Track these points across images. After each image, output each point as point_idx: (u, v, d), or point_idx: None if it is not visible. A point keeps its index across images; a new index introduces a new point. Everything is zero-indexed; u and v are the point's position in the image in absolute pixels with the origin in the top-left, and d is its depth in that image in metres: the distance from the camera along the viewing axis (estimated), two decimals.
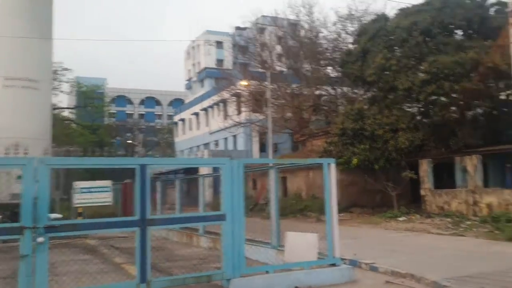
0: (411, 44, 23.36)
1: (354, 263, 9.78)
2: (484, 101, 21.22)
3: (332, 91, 33.32)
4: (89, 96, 52.76)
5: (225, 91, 40.29)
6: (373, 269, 9.24)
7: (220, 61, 71.80)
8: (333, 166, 8.82)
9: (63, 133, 52.19)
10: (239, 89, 37.11)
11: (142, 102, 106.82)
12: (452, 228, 17.04)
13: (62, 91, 50.69)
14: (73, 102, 64.90)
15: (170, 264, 11.29)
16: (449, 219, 18.97)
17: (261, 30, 41.65)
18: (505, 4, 23.03)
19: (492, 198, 18.38)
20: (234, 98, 41.05)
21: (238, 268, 7.18)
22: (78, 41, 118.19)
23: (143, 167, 6.80)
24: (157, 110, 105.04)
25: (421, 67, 22.26)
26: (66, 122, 53.17)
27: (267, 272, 7.58)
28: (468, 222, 17.81)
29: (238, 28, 52.97)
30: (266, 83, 33.23)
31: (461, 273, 8.85)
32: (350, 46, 30.34)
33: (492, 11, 24.20)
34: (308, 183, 27.36)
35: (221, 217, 7.18)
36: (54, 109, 50.16)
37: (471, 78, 21.46)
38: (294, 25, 36.74)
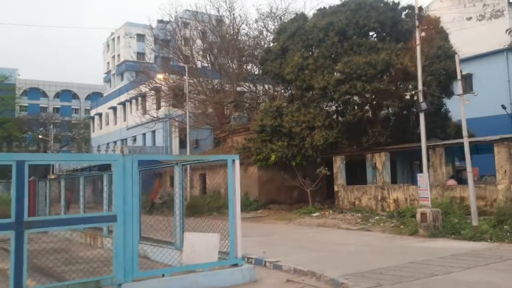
0: (327, 44, 23.81)
1: (259, 262, 9.61)
2: (394, 102, 22.09)
3: (254, 88, 33.29)
4: None
5: (144, 85, 39.02)
6: (277, 267, 9.11)
7: (141, 54, 69.56)
8: (237, 163, 8.57)
9: None
10: (159, 83, 36.08)
11: (58, 95, 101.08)
12: (361, 223, 17.56)
13: None
14: None
15: (67, 268, 10.47)
16: (359, 214, 19.54)
17: (185, 25, 40.77)
18: (414, 9, 24.27)
19: (399, 194, 19.19)
20: (153, 93, 39.89)
21: (130, 272, 6.68)
22: None
23: (20, 163, 6.09)
24: (74, 104, 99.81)
25: (336, 67, 22.75)
26: None
27: (163, 275, 7.14)
28: (377, 217, 18.44)
29: (160, 21, 51.59)
30: (185, 77, 32.59)
31: (362, 269, 8.96)
32: (271, 43, 30.47)
33: (403, 14, 25.30)
34: (227, 180, 27.05)
35: (112, 218, 6.63)
36: None
37: (382, 79, 22.30)
38: (216, 21, 36.31)
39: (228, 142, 31.32)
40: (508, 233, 12.78)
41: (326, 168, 21.93)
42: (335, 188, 22.19)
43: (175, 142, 42.71)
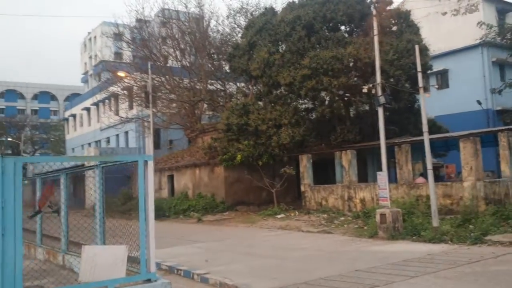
0: (294, 39, 22.95)
1: (187, 274, 8.69)
2: (362, 97, 21.34)
3: (226, 86, 32.30)
4: None
5: (116, 85, 37.82)
6: (204, 280, 8.20)
7: (118, 54, 68.05)
8: (150, 164, 7.55)
9: None
10: (130, 84, 34.92)
11: (36, 97, 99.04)
12: (325, 225, 16.74)
13: None
14: None
15: None
16: (325, 215, 18.75)
17: (163, 24, 39.46)
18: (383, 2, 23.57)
19: (366, 193, 18.42)
20: (125, 93, 38.71)
21: None
22: None
23: None
24: (52, 105, 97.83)
25: (303, 62, 21.91)
26: None
27: None
28: (342, 218, 17.66)
29: (138, 20, 50.34)
30: (153, 76, 31.53)
31: (302, 279, 8.11)
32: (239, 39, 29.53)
33: (372, 7, 24.55)
34: (195, 181, 26.15)
35: None
36: None
37: (350, 74, 21.52)
38: (192, 18, 35.22)
39: (198, 142, 30.35)
40: (471, 233, 12.04)
41: (291, 168, 21.13)
42: (302, 188, 21.36)
43: (149, 143, 41.53)
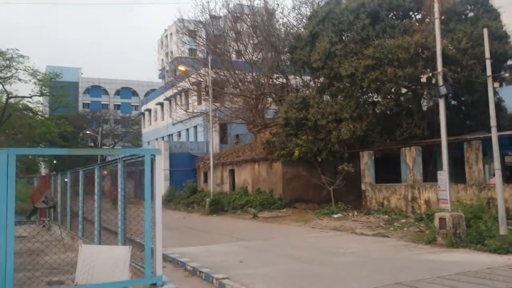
0: (358, 28, 21.60)
1: (207, 278, 8.11)
2: (430, 89, 19.56)
3: (289, 80, 31.46)
4: (48, 85, 50.13)
5: (186, 81, 38.32)
6: (221, 286, 7.57)
7: (193, 51, 69.40)
8: (158, 159, 7.03)
9: (21, 123, 49.64)
10: (196, 79, 35.19)
11: (118, 93, 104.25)
12: (383, 227, 15.50)
13: (19, 79, 48.05)
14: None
15: None
16: (386, 216, 17.44)
17: (235, 19, 39.26)
18: None
19: (431, 194, 16.84)
20: (194, 88, 39.13)
21: None
22: (53, 29, 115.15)
23: None
24: (133, 100, 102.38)
25: (366, 52, 20.55)
26: (25, 111, 50.66)
27: None
28: (403, 220, 16.27)
29: (213, 17, 50.80)
30: (218, 70, 31.52)
31: None
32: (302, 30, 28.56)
33: None
34: (254, 176, 25.68)
35: None
36: (10, 97, 47.79)
37: (417, 64, 19.83)
38: (255, 11, 34.75)
39: (260, 137, 29.83)
40: None
41: (350, 165, 19.93)
42: (362, 187, 20.07)
43: (216, 137, 41.79)
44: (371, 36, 21.36)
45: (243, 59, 31.31)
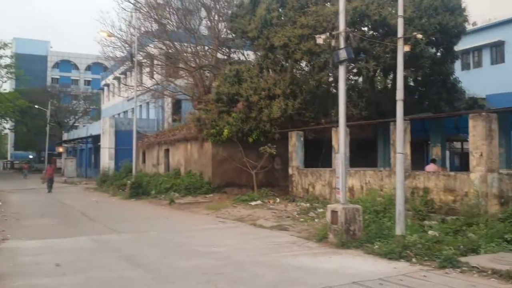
0: None
1: None
2: (368, 63, 17.36)
3: (236, 53, 28.93)
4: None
5: (140, 54, 35.53)
6: None
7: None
8: None
9: None
10: (152, 51, 32.41)
11: (89, 68, 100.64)
12: (294, 218, 13.41)
13: None
14: None
15: None
16: (307, 205, 15.38)
17: None
18: None
19: (355, 181, 14.74)
20: (146, 61, 36.39)
21: None
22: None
23: None
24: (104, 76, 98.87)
25: (300, 20, 18.23)
26: None
27: None
28: (321, 210, 14.13)
29: None
30: (156, 42, 28.95)
31: None
32: None
33: None
34: (187, 157, 23.35)
35: None
36: None
37: (355, 33, 17.55)
38: None
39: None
40: (460, 247, 8.29)
41: (274, 147, 17.76)
42: (289, 171, 17.92)
43: (169, 115, 39.33)
44: (312, 3, 19.08)
45: (185, 29, 28.61)
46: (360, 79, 21.09)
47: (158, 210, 16.89)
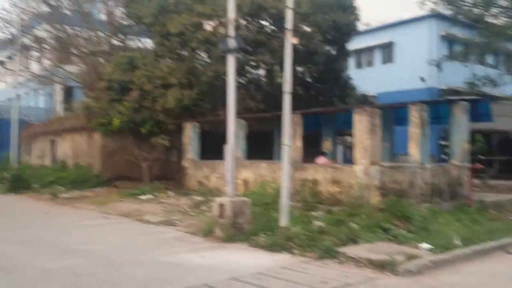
0: None
1: None
2: (264, 56, 17.39)
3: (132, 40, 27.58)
4: None
5: (25, 37, 32.44)
6: None
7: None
8: None
9: None
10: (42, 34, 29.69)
11: None
12: (185, 212, 12.95)
13: None
14: None
15: None
16: (201, 198, 14.93)
17: None
18: None
19: (249, 173, 14.64)
20: (35, 46, 33.42)
21: None
22: None
23: None
24: None
25: (197, 7, 17.73)
26: None
27: None
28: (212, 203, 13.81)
29: None
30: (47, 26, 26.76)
31: None
32: None
33: None
34: (75, 148, 21.80)
35: None
36: None
37: (252, 24, 17.50)
38: None
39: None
40: (342, 237, 8.37)
41: (167, 138, 17.16)
42: (183, 164, 17.41)
43: (59, 103, 36.64)
44: None
45: (77, 12, 26.69)
46: (263, 73, 21.14)
47: (38, 205, 15.47)
